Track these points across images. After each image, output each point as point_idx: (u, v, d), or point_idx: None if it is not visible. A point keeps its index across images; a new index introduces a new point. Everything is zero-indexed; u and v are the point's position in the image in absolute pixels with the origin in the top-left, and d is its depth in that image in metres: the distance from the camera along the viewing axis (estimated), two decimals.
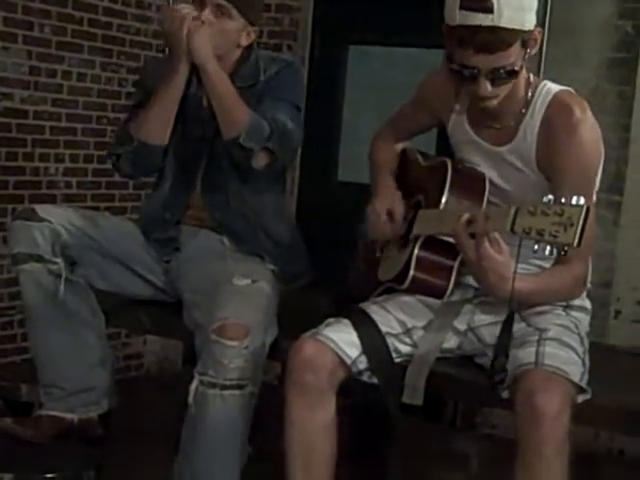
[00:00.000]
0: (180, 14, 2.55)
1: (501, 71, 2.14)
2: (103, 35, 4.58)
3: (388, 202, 2.49)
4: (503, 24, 2.07)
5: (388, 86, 4.52)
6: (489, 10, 2.06)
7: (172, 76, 2.61)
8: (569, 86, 2.30)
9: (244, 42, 2.69)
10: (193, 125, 2.71)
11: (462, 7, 2.09)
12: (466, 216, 2.06)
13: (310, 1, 4.76)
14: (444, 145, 2.56)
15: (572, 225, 1.82)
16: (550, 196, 1.88)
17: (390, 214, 2.47)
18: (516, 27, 2.10)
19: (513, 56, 2.13)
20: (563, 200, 1.85)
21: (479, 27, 2.07)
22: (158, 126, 2.66)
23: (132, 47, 4.70)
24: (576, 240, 1.81)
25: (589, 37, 3.89)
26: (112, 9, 4.61)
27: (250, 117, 2.54)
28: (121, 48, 4.66)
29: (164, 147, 2.70)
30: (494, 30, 2.07)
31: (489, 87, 2.16)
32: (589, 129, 2.20)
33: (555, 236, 1.84)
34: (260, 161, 2.58)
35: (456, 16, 2.10)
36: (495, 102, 2.22)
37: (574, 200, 1.83)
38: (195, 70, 2.62)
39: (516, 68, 2.16)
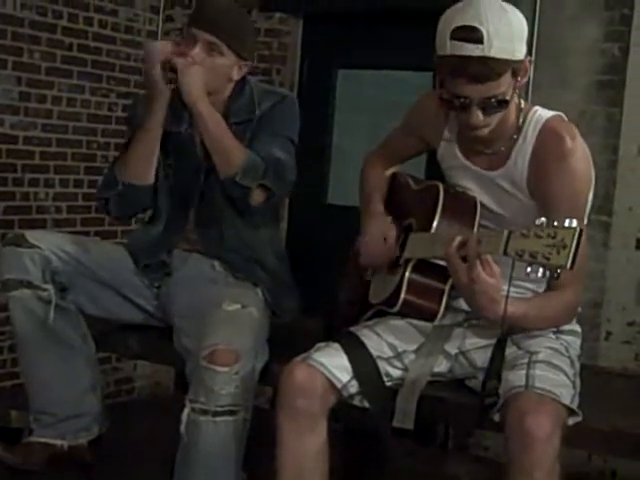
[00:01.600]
0: (154, 50, 2.54)
1: (492, 100, 2.15)
2: (93, 60, 4.60)
3: (381, 227, 2.49)
4: (493, 54, 2.08)
5: (377, 109, 4.53)
6: (479, 41, 2.07)
7: (148, 117, 2.60)
8: (557, 109, 2.31)
9: (236, 76, 2.68)
10: (186, 161, 2.70)
11: (453, 37, 2.10)
12: (458, 239, 2.07)
13: (299, 25, 4.78)
14: (433, 170, 2.57)
15: (565, 247, 1.82)
16: (543, 219, 1.88)
17: (383, 238, 2.47)
18: (506, 57, 2.10)
19: (504, 86, 2.14)
20: (556, 222, 1.85)
21: (469, 57, 2.08)
22: (140, 167, 2.65)
23: (122, 72, 4.72)
24: (569, 262, 1.82)
25: (576, 60, 3.91)
26: (101, 34, 4.63)
27: (245, 155, 2.54)
28: (110, 73, 4.68)
29: (151, 186, 2.69)
30: (484, 60, 2.08)
31: (481, 116, 2.17)
32: (579, 157, 2.20)
33: (548, 258, 1.84)
34: (257, 198, 2.58)
35: (447, 46, 2.11)
36: (486, 131, 2.22)
37: (567, 222, 1.84)
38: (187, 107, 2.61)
39: (507, 98, 2.16)
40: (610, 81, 3.85)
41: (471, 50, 2.08)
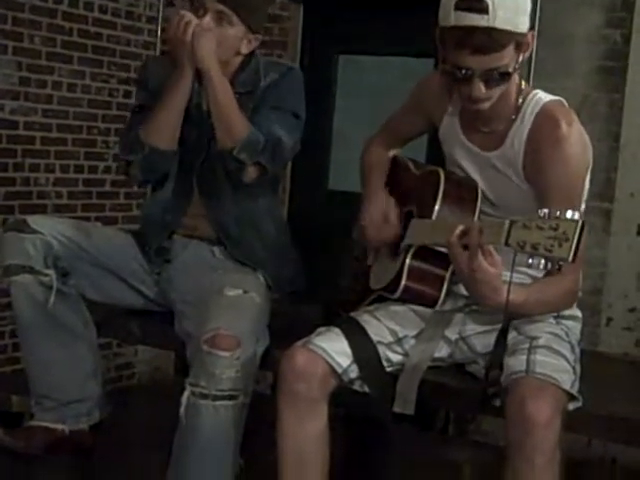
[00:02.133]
0: (185, 19, 2.52)
1: (495, 72, 2.15)
2: (93, 46, 4.59)
3: (382, 205, 2.49)
4: (498, 25, 2.08)
5: (378, 95, 4.53)
6: (484, 11, 2.08)
7: (178, 82, 2.58)
8: (559, 95, 2.31)
9: (244, 50, 2.67)
10: (190, 130, 2.69)
11: (457, 8, 2.10)
12: (460, 228, 2.06)
13: (300, 10, 4.77)
14: (435, 154, 2.57)
15: (567, 240, 1.81)
16: (545, 210, 1.87)
17: (385, 217, 2.47)
18: (510, 29, 2.11)
19: (507, 58, 2.14)
20: (558, 214, 1.84)
21: (474, 28, 2.08)
22: (168, 132, 2.64)
23: (122, 58, 4.71)
24: (571, 255, 1.81)
25: (578, 46, 3.91)
26: (102, 20, 4.61)
27: (248, 130, 2.52)
28: (111, 59, 4.67)
29: (175, 152, 2.68)
30: (489, 31, 2.08)
31: (483, 88, 2.17)
32: (574, 143, 2.20)
33: (550, 250, 1.83)
34: (251, 174, 2.58)
35: (451, 17, 2.11)
36: (487, 105, 2.22)
37: (569, 214, 1.82)
38: (196, 76, 2.60)
39: (510, 70, 2.16)
40: (612, 67, 3.85)
41: (476, 20, 2.08)
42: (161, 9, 4.89)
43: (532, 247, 1.86)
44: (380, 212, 2.48)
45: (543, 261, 1.85)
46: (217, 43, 2.55)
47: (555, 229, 1.83)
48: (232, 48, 2.64)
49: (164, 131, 2.63)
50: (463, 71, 2.15)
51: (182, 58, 2.55)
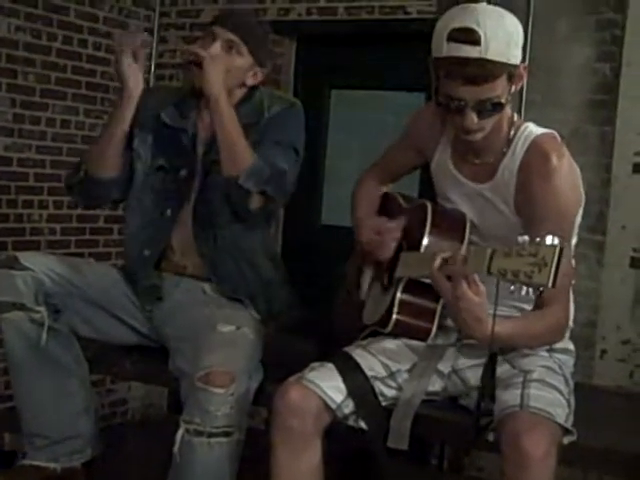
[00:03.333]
0: (120, 42, 2.57)
1: (487, 103, 2.16)
2: (87, 82, 4.61)
3: (375, 224, 2.49)
4: (490, 56, 2.10)
5: (371, 130, 4.54)
6: (476, 42, 2.10)
7: (114, 110, 2.62)
8: (550, 127, 2.32)
9: (250, 82, 2.69)
10: (181, 162, 2.69)
11: (450, 39, 2.12)
12: (440, 257, 2.06)
13: (292, 46, 4.80)
14: (427, 189, 2.57)
15: (546, 265, 1.81)
16: (525, 237, 1.88)
17: (378, 233, 2.47)
18: (503, 60, 2.13)
19: (499, 89, 2.16)
20: (538, 240, 1.84)
21: (466, 59, 2.10)
22: (103, 160, 2.65)
23: (115, 94, 4.71)
24: (550, 280, 1.80)
25: (568, 79, 3.93)
26: (95, 56, 4.63)
27: (253, 159, 2.53)
28: (104, 95, 4.68)
29: (114, 180, 2.68)
30: (481, 62, 2.10)
31: (475, 119, 2.18)
32: (564, 177, 2.20)
33: (530, 277, 1.83)
34: (256, 203, 2.58)
35: (443, 48, 2.13)
36: (480, 135, 2.23)
37: (548, 240, 1.82)
38: (198, 104, 2.63)
39: (502, 101, 2.18)
40: (602, 100, 3.88)
41: (468, 51, 2.10)
42: (154, 46, 4.92)
43: (513, 274, 1.86)
44: (376, 226, 2.48)
45: (525, 288, 1.85)
46: (224, 71, 2.56)
47: (534, 255, 1.83)
48: (238, 78, 2.66)
49: (100, 159, 2.66)
50: (455, 102, 2.16)
51: (123, 83, 2.59)
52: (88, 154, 2.68)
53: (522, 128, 2.30)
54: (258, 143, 2.60)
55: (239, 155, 2.53)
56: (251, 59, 2.66)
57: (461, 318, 2.06)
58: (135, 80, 2.60)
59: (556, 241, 1.82)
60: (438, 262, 2.05)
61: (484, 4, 2.23)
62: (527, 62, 2.23)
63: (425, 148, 2.48)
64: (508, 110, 2.27)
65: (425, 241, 2.32)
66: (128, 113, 2.62)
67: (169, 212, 2.71)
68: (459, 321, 2.08)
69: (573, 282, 2.37)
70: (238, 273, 2.70)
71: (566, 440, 2.09)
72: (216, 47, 2.58)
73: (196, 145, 2.69)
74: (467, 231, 2.33)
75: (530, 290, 1.84)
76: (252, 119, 2.65)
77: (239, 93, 2.69)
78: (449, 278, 2.04)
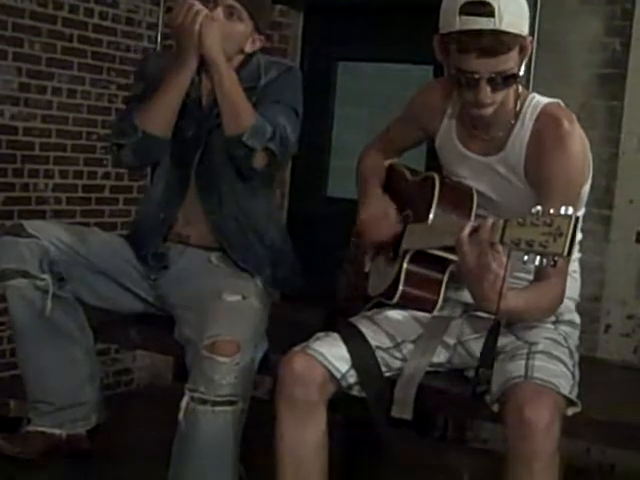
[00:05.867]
0: (195, 8, 2.54)
1: (501, 76, 2.15)
2: (93, 52, 4.59)
3: (381, 205, 2.49)
4: (505, 28, 2.10)
5: (377, 101, 4.53)
6: (491, 14, 2.09)
7: (181, 69, 2.59)
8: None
9: (248, 49, 2.69)
10: (187, 124, 2.69)
11: (462, 12, 2.11)
12: (471, 224, 2.05)
13: (299, 18, 4.78)
14: (433, 162, 2.57)
15: (561, 235, 1.81)
16: (539, 207, 1.88)
17: (384, 213, 2.47)
18: (516, 32, 2.12)
19: (512, 61, 2.15)
20: (552, 210, 1.84)
21: (481, 31, 2.09)
22: (164, 119, 2.64)
23: (122, 64, 4.70)
24: (566, 249, 1.81)
25: (577, 54, 3.91)
26: (102, 26, 4.61)
27: (254, 117, 2.54)
28: (111, 65, 4.66)
29: (169, 141, 2.68)
30: (496, 33, 2.09)
31: (489, 92, 2.17)
32: (577, 141, 2.21)
33: (545, 246, 1.83)
34: (260, 161, 2.58)
35: (456, 22, 2.12)
36: (491, 110, 2.22)
37: (563, 210, 1.83)
38: (198, 68, 2.61)
39: (515, 72, 2.17)
40: (611, 75, 3.85)
41: (483, 23, 2.09)
42: (161, 16, 4.89)
43: (527, 244, 1.86)
44: (379, 209, 2.48)
45: (538, 257, 1.85)
46: (224, 36, 2.58)
47: (549, 225, 1.83)
48: (238, 44, 2.66)
49: (160, 117, 2.64)
50: (469, 75, 2.15)
51: (187, 46, 2.56)
52: (146, 116, 2.62)
53: (529, 99, 2.30)
54: (257, 105, 2.61)
55: (241, 114, 2.54)
56: (251, 25, 2.66)
57: (480, 288, 2.04)
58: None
59: (570, 211, 1.82)
60: (468, 229, 2.04)
61: None
62: (536, 36, 2.21)
63: (427, 125, 2.48)
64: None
65: (432, 213, 2.32)
66: (193, 71, 2.61)
67: (179, 175, 2.71)
68: (476, 289, 2.07)
69: (579, 255, 2.37)
70: (244, 239, 2.70)
71: (570, 411, 2.10)
72: (218, 12, 2.59)
73: (201, 107, 2.69)
74: (474, 204, 2.32)
75: (544, 260, 1.84)
76: (250, 83, 2.66)
77: (237, 59, 2.69)
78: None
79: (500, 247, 1.99)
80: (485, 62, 2.12)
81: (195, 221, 2.72)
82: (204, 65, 2.60)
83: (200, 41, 2.53)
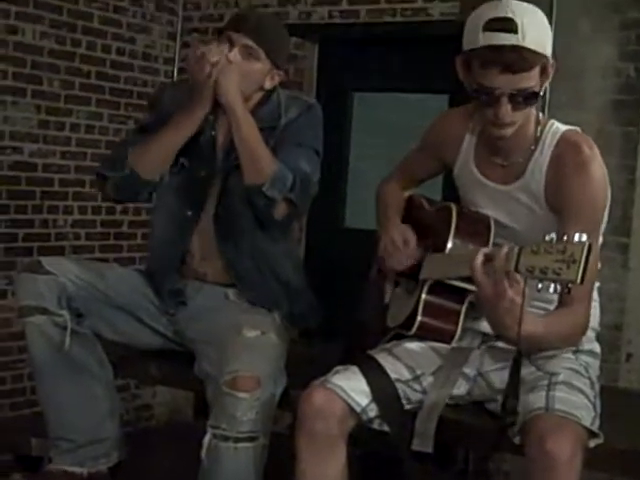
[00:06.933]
0: (212, 60, 2.51)
1: (522, 94, 2.15)
2: (111, 88, 4.64)
3: (401, 232, 2.49)
4: (527, 44, 2.11)
5: (394, 132, 4.54)
6: (514, 30, 2.10)
7: (187, 117, 2.58)
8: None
9: (268, 85, 2.67)
10: (200, 163, 2.68)
11: (486, 29, 2.12)
12: (482, 253, 2.04)
13: (314, 50, 4.81)
14: (450, 192, 2.57)
15: (575, 262, 1.80)
16: (553, 234, 1.87)
17: (405, 241, 2.46)
18: (539, 50, 2.13)
19: (534, 80, 2.15)
20: (565, 237, 1.84)
21: (504, 46, 2.10)
22: (157, 162, 2.64)
23: (139, 99, 4.75)
24: (579, 277, 1.80)
25: (592, 80, 3.91)
26: (119, 62, 4.67)
27: (275, 165, 2.51)
28: (128, 100, 4.71)
29: (156, 183, 2.67)
30: (519, 49, 2.10)
31: (510, 110, 2.17)
32: (597, 166, 2.21)
33: (558, 274, 1.83)
34: (281, 211, 2.57)
35: (479, 39, 2.13)
36: (510, 131, 2.22)
37: (576, 237, 1.82)
38: (215, 107, 2.60)
39: (536, 90, 2.17)
40: (626, 101, 3.85)
41: (506, 39, 2.10)
42: (177, 50, 4.95)
43: (541, 271, 1.86)
44: (400, 236, 2.47)
45: (552, 285, 1.84)
46: (242, 76, 2.55)
47: (563, 252, 1.83)
48: (256, 83, 2.64)
49: (154, 162, 2.64)
50: (491, 91, 2.15)
51: (199, 96, 2.55)
52: (140, 157, 2.62)
53: (548, 125, 2.30)
54: (277, 147, 2.59)
55: (261, 162, 2.51)
56: (269, 63, 2.63)
57: (499, 316, 2.03)
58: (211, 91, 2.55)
59: (584, 238, 1.82)
60: (481, 258, 2.04)
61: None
62: (554, 62, 2.22)
63: (444, 154, 2.48)
64: (533, 110, 2.26)
65: (450, 243, 2.32)
66: (199, 121, 2.59)
67: (189, 213, 2.70)
68: (495, 319, 2.06)
69: (598, 284, 2.36)
70: (260, 279, 2.69)
71: (592, 443, 2.07)
72: (235, 54, 2.56)
73: (216, 148, 2.68)
74: (492, 233, 2.32)
75: (558, 287, 1.83)
76: (270, 122, 2.64)
77: (257, 96, 2.68)
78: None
79: (518, 275, 1.98)
80: (507, 78, 2.13)
81: (210, 258, 2.71)
82: (220, 105, 2.59)
83: (216, 86, 2.51)
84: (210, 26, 4.89)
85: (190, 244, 2.72)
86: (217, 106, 2.62)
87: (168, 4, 4.93)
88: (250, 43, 2.59)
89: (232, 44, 2.58)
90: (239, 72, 2.55)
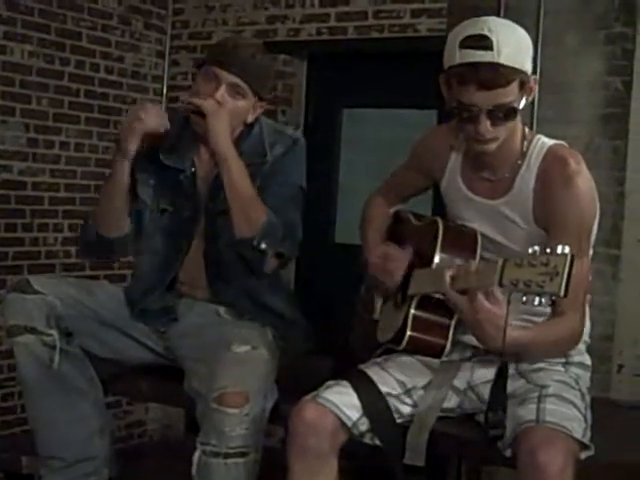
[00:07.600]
0: (135, 112, 2.52)
1: (501, 109, 2.16)
2: (100, 106, 4.65)
3: (385, 249, 2.49)
4: (503, 61, 2.12)
5: (383, 147, 4.56)
6: (489, 47, 2.12)
7: (113, 166, 2.59)
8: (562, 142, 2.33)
9: (251, 118, 2.64)
10: (184, 201, 2.67)
11: (462, 46, 2.14)
12: (449, 273, 2.07)
13: (303, 66, 4.82)
14: (440, 207, 2.58)
15: (557, 274, 1.81)
16: (536, 247, 1.89)
17: (390, 257, 2.46)
18: (515, 65, 2.14)
19: (512, 95, 2.16)
20: (549, 250, 1.85)
21: (479, 63, 2.12)
22: (110, 217, 2.64)
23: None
24: (562, 289, 1.81)
25: (580, 94, 3.93)
26: (108, 80, 4.68)
27: (265, 216, 2.48)
28: (117, 118, 4.71)
29: (127, 234, 2.67)
30: (494, 66, 2.12)
31: (489, 126, 2.18)
32: (584, 180, 2.22)
33: (542, 286, 1.84)
34: (271, 265, 2.56)
35: (456, 56, 2.15)
36: (494, 146, 2.23)
37: (559, 249, 1.84)
38: (194, 141, 2.60)
39: (515, 106, 2.18)
40: (614, 114, 3.87)
41: (481, 56, 2.12)
42: (166, 68, 4.96)
43: (525, 284, 1.87)
44: (384, 254, 2.48)
45: (537, 298, 1.85)
46: (229, 116, 2.52)
47: (546, 265, 1.84)
48: (241, 119, 2.62)
49: (106, 215, 2.65)
50: (469, 108, 2.16)
51: (121, 146, 2.54)
52: (94, 216, 2.66)
53: (535, 140, 2.31)
54: (264, 186, 2.57)
55: (251, 212, 2.48)
56: (254, 98, 2.61)
57: (480, 329, 2.06)
58: (134, 143, 2.53)
59: (567, 250, 1.83)
60: (447, 280, 2.06)
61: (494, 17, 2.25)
62: (537, 76, 2.23)
63: (432, 171, 2.48)
64: (519, 124, 2.28)
65: (437, 258, 2.32)
66: (128, 171, 2.58)
67: (177, 251, 2.70)
68: (478, 333, 2.09)
69: (589, 297, 2.36)
70: (250, 308, 2.69)
71: (583, 455, 2.08)
72: (222, 94, 2.53)
73: (197, 185, 2.67)
74: (478, 247, 2.33)
75: (543, 300, 1.84)
76: (255, 159, 2.61)
77: (239, 130, 2.64)
78: (464, 292, 2.05)
79: (497, 289, 2.00)
80: (484, 95, 2.14)
81: (199, 285, 2.71)
82: (202, 141, 2.58)
83: (208, 132, 2.48)
84: (199, 44, 4.91)
85: (179, 276, 2.72)
86: (196, 140, 2.62)
87: (156, 22, 4.94)
88: (237, 81, 2.55)
89: (219, 82, 2.54)
90: (228, 116, 2.52)
